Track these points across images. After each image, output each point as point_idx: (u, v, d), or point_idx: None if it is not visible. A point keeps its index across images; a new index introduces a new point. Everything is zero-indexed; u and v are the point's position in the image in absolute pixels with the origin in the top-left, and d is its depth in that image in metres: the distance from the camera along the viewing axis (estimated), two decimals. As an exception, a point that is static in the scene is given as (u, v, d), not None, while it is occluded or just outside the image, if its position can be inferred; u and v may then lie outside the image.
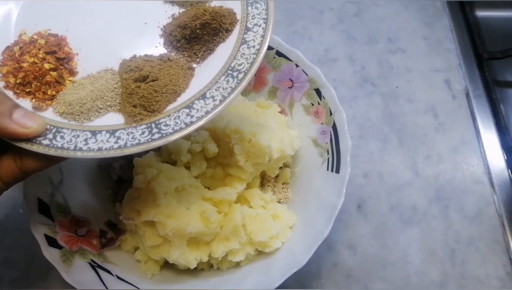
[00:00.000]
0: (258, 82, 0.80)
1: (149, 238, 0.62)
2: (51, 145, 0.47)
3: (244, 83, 0.50)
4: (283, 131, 0.71)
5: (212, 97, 0.50)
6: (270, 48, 0.75)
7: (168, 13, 0.57)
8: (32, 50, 0.52)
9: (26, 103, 0.50)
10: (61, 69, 0.53)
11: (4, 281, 0.74)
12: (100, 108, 0.51)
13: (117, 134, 0.48)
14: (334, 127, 0.69)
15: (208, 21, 0.53)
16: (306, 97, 0.75)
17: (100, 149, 0.47)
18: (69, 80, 0.53)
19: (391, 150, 0.86)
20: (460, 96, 0.92)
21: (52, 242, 0.62)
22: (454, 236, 0.77)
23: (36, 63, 0.51)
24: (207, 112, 0.49)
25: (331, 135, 0.69)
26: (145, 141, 0.48)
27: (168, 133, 0.48)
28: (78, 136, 0.48)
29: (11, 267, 0.76)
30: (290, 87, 0.77)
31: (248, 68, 0.51)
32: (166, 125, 0.49)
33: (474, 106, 0.90)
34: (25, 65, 0.51)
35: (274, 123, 0.72)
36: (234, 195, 0.64)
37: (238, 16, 0.55)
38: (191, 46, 0.55)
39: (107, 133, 0.49)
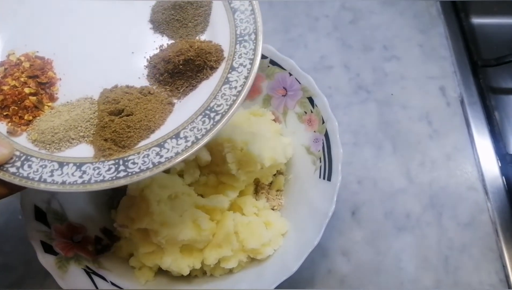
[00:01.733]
0: (252, 90, 0.81)
1: (143, 245, 0.64)
2: (17, 173, 0.47)
3: (219, 126, 0.48)
4: (276, 139, 0.72)
5: (185, 137, 0.49)
6: (264, 57, 0.76)
7: (156, 43, 0.56)
8: (15, 72, 0.52)
9: (1, 126, 0.50)
10: (42, 94, 0.53)
11: (2, 286, 0.75)
12: (73, 139, 0.50)
13: (83, 167, 0.48)
14: (326, 135, 0.69)
15: (192, 57, 0.52)
16: (299, 105, 0.76)
17: (63, 183, 0.47)
18: (48, 106, 0.53)
19: (385, 157, 0.87)
20: (454, 103, 0.92)
21: (48, 248, 0.63)
22: (448, 243, 0.78)
23: (16, 86, 0.51)
24: (177, 154, 0.47)
25: (323, 143, 0.70)
26: (110, 178, 0.47)
27: (133, 173, 0.47)
28: (46, 166, 0.48)
29: (8, 273, 0.77)
30: (284, 95, 0.78)
31: (226, 110, 0.49)
32: (133, 163, 0.48)
33: (469, 113, 0.90)
34: (5, 88, 0.51)
35: (267, 132, 0.73)
36: (226, 203, 0.65)
37: (225, 54, 0.54)
38: (173, 81, 0.54)
39: (74, 166, 0.48)
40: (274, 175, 0.75)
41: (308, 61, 0.98)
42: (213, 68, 0.53)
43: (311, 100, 0.73)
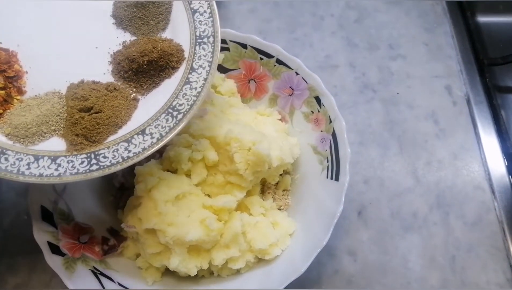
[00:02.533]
0: (258, 90, 0.81)
1: (150, 245, 0.63)
2: None
3: (182, 125, 0.52)
4: (283, 139, 0.72)
5: (151, 134, 0.52)
6: (270, 56, 0.76)
7: (119, 39, 0.58)
8: None
9: None
10: (10, 88, 0.53)
11: (8, 287, 0.75)
12: (45, 133, 0.52)
13: (58, 161, 0.51)
14: (334, 135, 0.69)
15: (155, 59, 0.55)
16: (306, 104, 0.75)
17: (41, 175, 0.49)
18: (17, 99, 0.54)
19: (391, 156, 0.87)
20: (460, 102, 0.92)
21: (55, 249, 0.63)
22: (455, 243, 0.77)
23: None
24: (144, 149, 0.51)
25: (330, 142, 0.70)
26: (83, 171, 0.50)
27: (105, 166, 0.50)
28: (22, 159, 0.50)
29: (15, 273, 0.77)
30: (291, 95, 0.77)
31: (187, 109, 0.53)
32: (104, 157, 0.51)
33: (475, 112, 0.90)
34: None
35: (274, 131, 0.72)
36: (234, 203, 0.64)
37: (186, 54, 0.57)
38: (137, 78, 0.57)
39: (48, 159, 0.51)
40: (281, 174, 0.75)
41: (313, 60, 0.98)
42: (174, 68, 0.57)
43: (318, 99, 0.73)
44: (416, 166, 0.85)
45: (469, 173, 0.84)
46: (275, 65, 0.77)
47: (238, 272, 0.67)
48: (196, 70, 0.56)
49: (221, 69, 0.81)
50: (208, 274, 0.68)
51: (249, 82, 0.81)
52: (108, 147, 0.52)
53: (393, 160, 0.86)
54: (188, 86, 0.55)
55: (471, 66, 0.96)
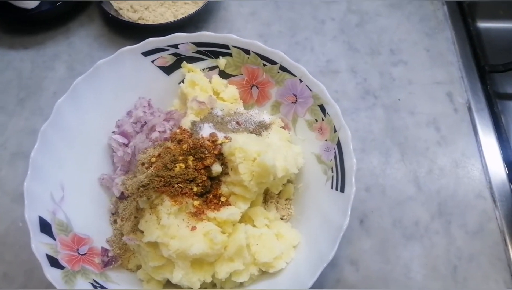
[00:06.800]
0: (261, 96, 0.80)
1: (152, 258, 0.62)
2: None
3: None
4: (287, 147, 0.71)
5: None
6: (274, 62, 0.75)
7: None
8: None
9: None
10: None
11: (3, 296, 0.73)
12: None
13: None
14: (339, 144, 0.68)
15: None
16: (310, 112, 0.74)
17: None
18: None
19: (393, 163, 0.86)
20: (462, 109, 0.92)
21: (54, 262, 0.61)
22: (456, 252, 0.77)
23: None
24: None
25: (335, 152, 0.69)
26: None
27: None
28: None
29: (10, 282, 0.75)
30: (294, 102, 0.76)
31: None
32: None
33: (476, 120, 0.90)
34: None
35: (278, 140, 0.71)
36: (238, 215, 0.63)
37: None
38: None
39: None
40: (283, 183, 0.74)
41: (314, 65, 0.97)
42: None
43: (322, 108, 0.72)
44: (418, 174, 0.85)
45: (470, 182, 0.84)
46: (278, 72, 0.75)
47: (241, 285, 0.66)
48: None
49: (223, 75, 0.79)
50: (211, 286, 0.67)
51: (251, 88, 0.80)
52: None
53: (395, 168, 0.86)
54: None
55: (472, 73, 0.96)
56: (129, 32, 1.01)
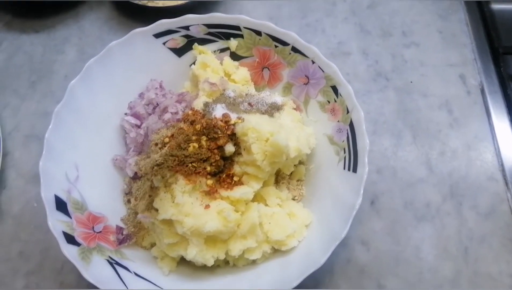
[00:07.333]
0: (272, 78, 0.79)
1: (167, 236, 0.63)
2: None
3: None
4: (299, 129, 0.71)
5: None
6: (285, 44, 0.74)
7: None
8: None
9: None
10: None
11: (20, 274, 0.75)
12: None
13: None
14: (351, 125, 0.68)
15: None
16: (322, 94, 0.74)
17: None
18: None
19: (405, 146, 0.86)
20: (475, 91, 0.91)
21: (70, 239, 0.62)
22: (468, 233, 0.77)
23: None
24: None
25: (347, 133, 0.69)
26: None
27: None
28: None
29: (26, 260, 0.76)
30: (306, 84, 0.76)
31: None
32: None
33: (489, 102, 0.89)
34: None
35: (290, 121, 0.71)
36: (251, 194, 0.64)
37: None
38: None
39: None
40: (295, 165, 0.74)
41: (325, 47, 0.96)
42: None
43: (335, 89, 0.71)
44: (430, 156, 0.85)
45: (482, 164, 0.84)
46: (290, 53, 0.75)
47: (254, 262, 0.67)
48: None
49: (234, 56, 0.79)
50: (224, 263, 0.68)
51: (262, 70, 0.80)
52: None
53: (406, 150, 0.85)
54: None
55: (486, 55, 0.95)
56: (139, 15, 1.01)
